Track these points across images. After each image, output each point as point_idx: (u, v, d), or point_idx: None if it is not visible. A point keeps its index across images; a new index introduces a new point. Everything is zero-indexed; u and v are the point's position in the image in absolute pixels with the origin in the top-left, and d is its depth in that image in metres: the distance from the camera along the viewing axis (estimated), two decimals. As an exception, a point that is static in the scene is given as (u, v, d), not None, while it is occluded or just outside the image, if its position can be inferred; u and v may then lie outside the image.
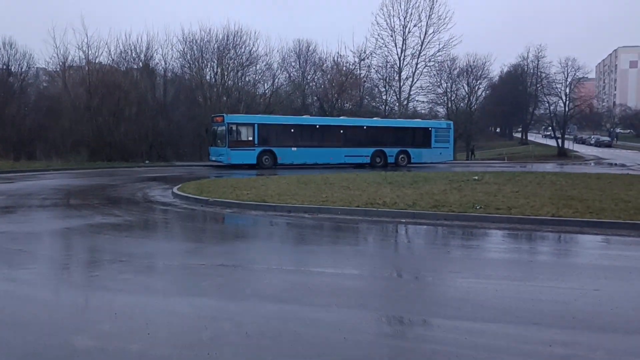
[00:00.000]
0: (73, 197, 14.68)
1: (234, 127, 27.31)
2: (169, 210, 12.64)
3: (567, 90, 55.23)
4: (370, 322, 5.06)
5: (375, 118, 35.09)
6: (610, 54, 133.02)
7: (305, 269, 7.16)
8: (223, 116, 27.72)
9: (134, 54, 35.82)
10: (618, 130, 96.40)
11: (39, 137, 29.78)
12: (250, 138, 27.74)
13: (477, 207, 11.46)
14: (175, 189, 15.29)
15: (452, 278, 6.63)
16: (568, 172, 26.07)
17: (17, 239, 8.96)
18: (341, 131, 30.20)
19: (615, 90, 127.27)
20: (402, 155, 31.38)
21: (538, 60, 65.00)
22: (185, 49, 37.68)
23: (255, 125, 27.81)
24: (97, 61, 33.64)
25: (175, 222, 11.50)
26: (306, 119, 31.01)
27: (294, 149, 28.66)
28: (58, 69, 34.00)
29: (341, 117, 33.32)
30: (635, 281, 6.59)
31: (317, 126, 30.01)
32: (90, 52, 33.00)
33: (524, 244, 9.37)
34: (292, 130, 29.00)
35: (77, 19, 67.01)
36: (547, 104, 59.01)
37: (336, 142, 29.91)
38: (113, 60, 35.01)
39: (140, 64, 36.02)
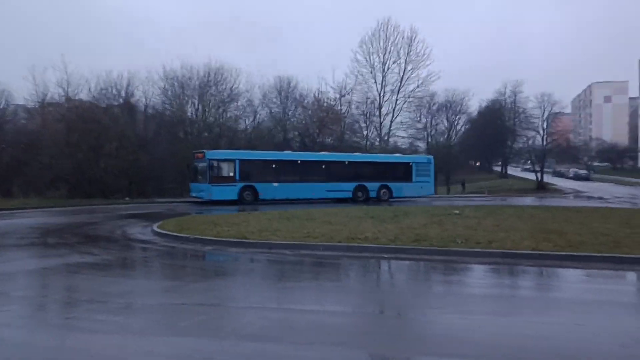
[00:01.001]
0: (50, 236, 14.42)
1: (215, 163, 27.26)
2: (148, 248, 12.50)
3: (544, 125, 56.56)
4: (352, 360, 5.00)
5: (356, 153, 35.36)
6: (585, 90, 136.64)
7: (287, 306, 7.10)
8: (204, 152, 27.71)
9: (114, 91, 36.02)
10: (595, 163, 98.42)
11: (17, 173, 29.39)
12: (232, 174, 27.70)
13: (458, 242, 11.50)
14: (155, 227, 15.10)
15: (435, 314, 6.62)
16: (547, 205, 26.42)
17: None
18: (323, 166, 30.35)
19: (591, 124, 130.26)
20: (383, 190, 31.51)
21: (515, 96, 66.60)
22: (167, 86, 37.99)
23: (237, 161, 27.83)
24: (76, 97, 33.67)
25: (154, 260, 11.36)
26: (287, 154, 31.16)
27: (275, 184, 28.65)
28: (37, 106, 33.88)
29: (322, 152, 33.51)
30: (618, 315, 6.64)
31: (299, 161, 30.11)
32: (69, 89, 33.13)
33: (505, 279, 9.42)
34: (274, 166, 29.05)
35: (57, 56, 67.02)
36: (525, 138, 60.23)
37: (318, 177, 29.99)
38: (94, 97, 35.11)
39: (121, 100, 36.10)
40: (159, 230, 14.48)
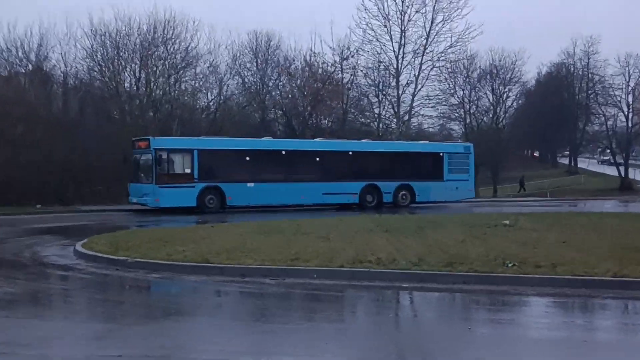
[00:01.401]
0: None
1: (165, 155, 27.38)
2: (70, 276, 12.61)
3: (630, 99, 56.71)
4: None
5: (365, 140, 35.57)
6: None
7: (267, 358, 7.13)
8: (148, 140, 27.83)
9: (20, 53, 35.87)
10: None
11: None
12: (188, 170, 27.90)
13: (509, 265, 11.62)
14: (79, 246, 15.21)
15: None
16: (635, 212, 26.58)
17: None
18: (317, 159, 30.63)
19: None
20: (402, 192, 31.82)
21: (589, 58, 66.83)
22: (95, 46, 37.90)
23: (195, 152, 28.00)
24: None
25: (79, 294, 11.44)
26: (268, 142, 31.42)
27: (250, 184, 28.86)
28: None
29: (317, 140, 33.66)
30: None
31: (283, 152, 30.36)
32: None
33: (576, 317, 9.51)
34: (248, 158, 29.27)
35: None
36: (603, 118, 60.35)
37: (311, 174, 30.32)
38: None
39: (30, 66, 35.98)
40: (85, 251, 14.58)
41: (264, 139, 32.76)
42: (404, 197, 31.83)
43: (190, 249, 13.99)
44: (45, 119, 33.90)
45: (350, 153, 31.58)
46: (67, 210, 29.27)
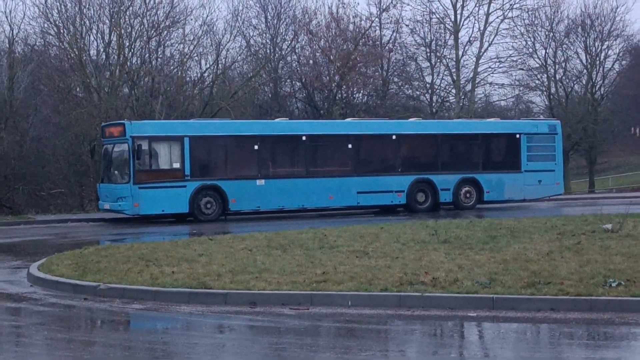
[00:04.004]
0: None
1: (145, 145, 27.74)
2: (22, 309, 12.89)
3: None
4: None
5: (413, 119, 35.69)
6: None
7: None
8: (123, 125, 28.21)
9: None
10: None
11: None
12: (177, 164, 28.32)
13: (614, 285, 11.70)
14: (34, 268, 15.51)
15: None
16: None
17: None
18: (350, 146, 30.96)
19: None
20: (466, 188, 32.15)
21: None
22: (50, 1, 38.36)
23: (186, 141, 28.40)
24: None
25: (34, 333, 11.58)
26: (282, 125, 31.80)
27: (260, 182, 29.28)
28: None
29: (349, 120, 33.83)
30: None
31: (304, 137, 30.67)
32: None
33: None
34: (257, 147, 29.69)
35: None
36: None
37: (341, 166, 30.87)
38: None
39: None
40: (42, 275, 14.86)
41: (277, 120, 33.15)
42: (469, 195, 32.12)
43: (183, 270, 14.28)
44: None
45: (394, 137, 31.81)
46: (16, 221, 29.67)
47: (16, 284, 14.91)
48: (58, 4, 38.14)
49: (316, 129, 31.94)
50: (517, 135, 33.35)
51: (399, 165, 31.39)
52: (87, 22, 39.06)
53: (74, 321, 12.04)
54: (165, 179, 28.04)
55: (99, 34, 39.58)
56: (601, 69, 56.51)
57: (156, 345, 10.85)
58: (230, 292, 12.44)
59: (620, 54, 60.51)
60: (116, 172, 28.44)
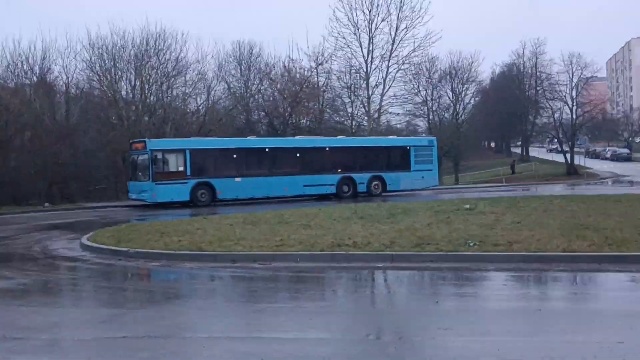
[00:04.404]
0: None
1: (160, 155, 27.31)
2: (77, 267, 12.54)
3: (573, 94, 57.26)
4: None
5: (339, 136, 35.64)
6: (623, 47, 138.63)
7: (258, 335, 7.15)
8: (145, 142, 27.71)
9: (25, 66, 35.51)
10: (638, 139, 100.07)
11: None
12: (181, 168, 27.83)
13: (471, 244, 11.72)
14: (84, 239, 15.15)
15: (444, 337, 6.72)
16: (581, 194, 26.93)
17: None
18: (298, 154, 30.62)
19: (632, 91, 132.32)
20: (375, 182, 31.86)
21: (536, 58, 67.42)
22: (93, 58, 37.58)
23: (187, 152, 27.92)
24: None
25: (85, 283, 11.41)
26: (252, 141, 31.36)
27: (237, 179, 28.83)
28: None
29: (297, 137, 33.68)
30: None
31: (267, 149, 30.36)
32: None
33: (530, 289, 9.63)
34: (235, 156, 29.21)
35: None
36: (550, 111, 60.96)
37: (292, 168, 30.30)
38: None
39: (35, 78, 35.65)
40: (90, 243, 14.52)
41: (249, 138, 32.63)
42: (377, 187, 31.83)
43: (186, 239, 13.95)
44: (50, 126, 33.74)
45: (327, 149, 31.53)
46: (72, 207, 29.07)
47: (72, 250, 14.61)
48: (99, 60, 37.53)
49: (275, 144, 31.59)
50: (408, 147, 33.28)
51: (330, 167, 30.97)
52: (119, 72, 38.29)
53: (112, 274, 11.83)
54: (173, 178, 27.50)
55: (127, 80, 38.76)
56: (462, 103, 56.97)
57: (169, 289, 10.74)
58: (218, 253, 12.27)
59: (474, 93, 61.09)
60: (140, 173, 27.91)
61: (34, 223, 21.85)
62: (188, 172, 27.85)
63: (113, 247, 13.58)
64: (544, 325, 7.21)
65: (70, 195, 32.03)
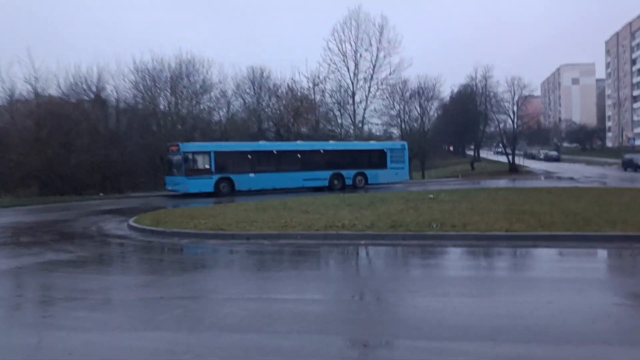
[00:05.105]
0: (23, 235, 14.19)
1: (190, 156, 27.18)
2: (124, 243, 12.43)
3: (515, 108, 57.25)
4: (332, 347, 5.07)
5: (331, 141, 35.53)
6: (554, 72, 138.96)
7: (267, 296, 7.13)
8: (179, 145, 27.55)
9: (84, 86, 35.37)
10: (565, 144, 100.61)
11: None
12: (207, 166, 27.65)
13: (434, 226, 11.68)
14: (130, 221, 15.00)
15: (412, 297, 6.73)
16: (520, 187, 26.95)
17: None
18: (298, 155, 30.46)
19: (560, 106, 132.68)
20: (359, 177, 31.72)
21: (486, 80, 67.12)
22: (138, 79, 37.43)
23: (212, 153, 27.76)
24: (46, 94, 33.05)
25: (131, 255, 11.32)
26: (263, 145, 31.21)
27: (251, 175, 28.68)
28: (4, 103, 33.13)
29: (298, 142, 33.59)
30: (586, 292, 6.84)
31: (274, 151, 30.19)
32: (38, 84, 32.38)
33: (480, 260, 9.62)
34: (249, 157, 29.07)
35: (23, 50, 65.20)
36: (496, 122, 61.00)
37: (294, 166, 30.09)
38: (63, 92, 34.45)
39: (92, 95, 35.50)
40: (135, 225, 14.38)
41: (260, 142, 32.47)
42: (360, 181, 31.67)
43: (210, 222, 13.90)
44: (104, 133, 33.59)
45: (322, 151, 31.32)
46: (121, 196, 28.89)
47: (121, 230, 14.48)
48: (142, 81, 37.45)
49: (280, 147, 31.36)
50: (385, 150, 33.17)
51: (324, 165, 30.72)
52: (158, 90, 38.24)
53: (152, 249, 11.73)
54: (201, 174, 27.24)
55: (164, 97, 38.76)
56: (427, 115, 56.87)
57: (196, 260, 10.69)
58: (235, 233, 12.20)
59: (437, 108, 61.03)
60: (175, 170, 27.65)
61: (90, 209, 21.68)
62: (213, 169, 27.64)
63: (153, 228, 13.47)
64: (491, 289, 7.24)
65: (119, 186, 31.87)
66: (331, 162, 31.14)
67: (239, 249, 11.06)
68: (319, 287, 7.58)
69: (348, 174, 31.36)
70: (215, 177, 27.64)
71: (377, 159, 32.77)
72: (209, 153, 27.76)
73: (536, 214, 13.03)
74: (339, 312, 6.32)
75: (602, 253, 10.01)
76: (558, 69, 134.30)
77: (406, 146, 34.71)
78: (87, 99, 35.73)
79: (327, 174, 30.86)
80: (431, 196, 19.39)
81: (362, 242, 11.10)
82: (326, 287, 7.65)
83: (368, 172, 32.05)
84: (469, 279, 7.92)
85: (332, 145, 33.15)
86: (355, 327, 5.68)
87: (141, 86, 37.61)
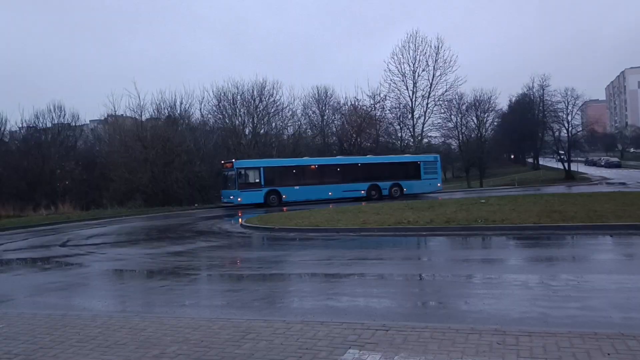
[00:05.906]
0: (167, 233, 18.26)
1: (243, 172, 29.79)
2: (245, 236, 16.26)
3: (569, 118, 58.36)
4: (407, 285, 8.91)
5: (369, 155, 37.61)
6: (618, 76, 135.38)
7: (343, 272, 9.97)
8: (232, 162, 30.37)
9: (177, 112, 40.77)
10: (632, 150, 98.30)
11: (104, 187, 34.34)
12: (257, 180, 30.19)
13: (479, 221, 14.81)
14: (243, 222, 18.85)
15: (465, 276, 9.11)
16: (566, 192, 28.99)
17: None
18: (338, 169, 32.58)
19: (627, 110, 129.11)
20: (395, 188, 33.37)
21: (543, 90, 67.81)
22: (219, 103, 42.56)
23: (261, 169, 30.42)
24: (147, 119, 38.69)
25: (251, 243, 15.17)
26: (306, 160, 33.60)
27: (296, 187, 31.01)
28: (115, 128, 39.04)
29: (338, 157, 36.10)
30: (581, 267, 10.23)
31: (316, 166, 32.60)
32: (143, 113, 38.09)
33: (510, 243, 12.81)
34: (294, 171, 31.53)
35: (130, 84, 78.34)
36: (552, 131, 61.96)
37: (334, 179, 32.09)
38: (159, 117, 39.83)
39: (185, 119, 40.74)
40: (247, 224, 18.32)
41: (304, 158, 34.88)
42: (396, 191, 33.23)
43: (305, 221, 17.56)
44: (195, 151, 37.86)
45: (359, 164, 33.24)
46: (212, 206, 32.53)
47: (236, 228, 18.27)
48: (224, 104, 42.81)
49: (322, 162, 33.62)
50: (419, 162, 34.66)
51: (362, 178, 32.48)
52: (236, 112, 42.79)
53: (263, 240, 15.31)
54: (252, 187, 29.78)
55: (242, 118, 43.06)
56: (484, 126, 58.86)
57: (300, 245, 13.97)
58: (328, 228, 15.64)
59: (493, 119, 62.74)
60: (229, 184, 30.18)
61: (197, 216, 25.25)
62: (262, 183, 30.12)
63: (263, 226, 17.27)
64: (523, 266, 10.49)
65: (209, 198, 35.99)
66: (368, 175, 32.98)
67: (331, 240, 14.32)
68: (388, 267, 10.25)
69: (384, 185, 33.11)
70: (265, 189, 30.20)
71: (412, 170, 34.28)
72: (258, 168, 30.44)
73: (563, 212, 15.78)
74: (401, 286, 8.46)
75: (605, 239, 12.79)
76: (622, 73, 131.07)
77: (438, 158, 36.24)
78: (180, 122, 40.91)
79: (365, 185, 32.62)
80: (483, 201, 22.02)
81: (424, 233, 14.24)
82: (394, 267, 10.33)
83: (403, 182, 33.64)
84: (503, 257, 11.19)
85: (369, 159, 35.11)
86: (414, 295, 9.40)
87: (222, 109, 42.46)
